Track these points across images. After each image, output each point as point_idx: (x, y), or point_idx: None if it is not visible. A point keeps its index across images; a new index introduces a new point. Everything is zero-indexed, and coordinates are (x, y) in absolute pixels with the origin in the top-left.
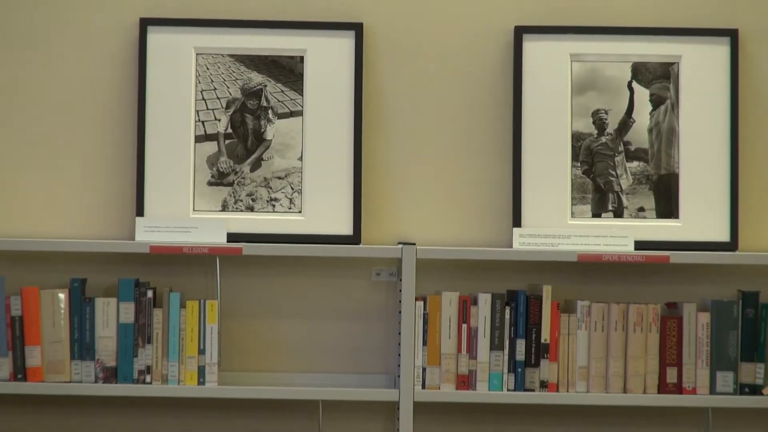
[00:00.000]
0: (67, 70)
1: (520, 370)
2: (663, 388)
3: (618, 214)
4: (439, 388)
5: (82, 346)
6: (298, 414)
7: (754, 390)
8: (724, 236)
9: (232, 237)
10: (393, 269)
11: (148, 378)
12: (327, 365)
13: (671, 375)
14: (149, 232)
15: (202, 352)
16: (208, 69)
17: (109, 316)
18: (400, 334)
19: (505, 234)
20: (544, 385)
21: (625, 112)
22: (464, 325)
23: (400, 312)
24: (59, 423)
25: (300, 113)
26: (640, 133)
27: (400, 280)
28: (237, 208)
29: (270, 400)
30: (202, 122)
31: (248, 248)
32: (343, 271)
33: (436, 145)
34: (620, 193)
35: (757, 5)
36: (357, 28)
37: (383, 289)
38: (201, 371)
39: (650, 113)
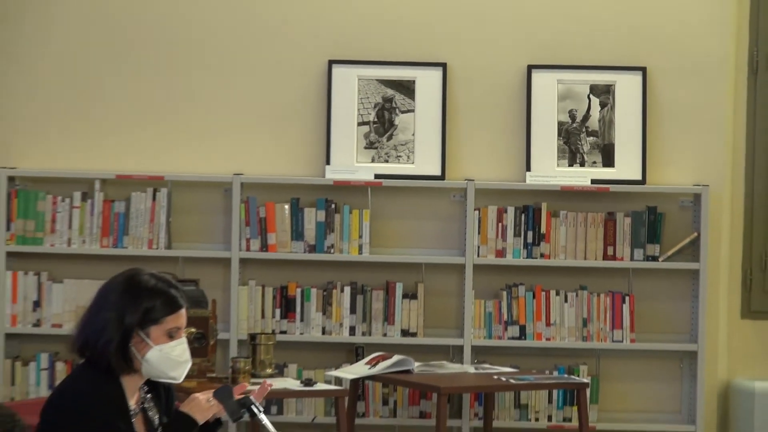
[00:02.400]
0: (281, 89)
1: (529, 247)
2: (606, 257)
3: (581, 164)
4: (486, 257)
5: (297, 234)
6: (405, 272)
7: (654, 258)
8: (638, 176)
9: (377, 177)
10: (462, 194)
11: (332, 250)
12: (426, 244)
13: (610, 250)
14: (333, 173)
15: (360, 236)
16: (364, 87)
17: (312, 218)
18: (465, 228)
19: (520, 175)
20: (542, 255)
21: (586, 111)
22: (500, 224)
23: (465, 216)
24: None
25: (413, 110)
26: (594, 122)
27: (465, 199)
28: (379, 161)
29: (391, 262)
30: (361, 115)
31: (385, 182)
32: (436, 195)
33: (462, 120)
34: (583, 154)
35: (658, 52)
36: (443, 66)
37: (457, 205)
38: (360, 248)
39: (599, 111)
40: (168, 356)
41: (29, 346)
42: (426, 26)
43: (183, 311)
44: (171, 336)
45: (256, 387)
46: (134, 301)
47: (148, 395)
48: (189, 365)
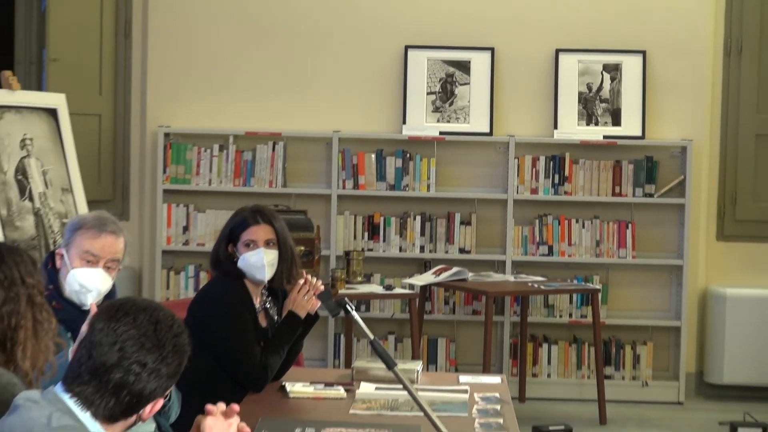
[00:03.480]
0: (370, 66)
1: (555, 186)
2: (614, 194)
3: (596, 124)
4: (523, 194)
5: (380, 176)
6: (462, 205)
7: (651, 195)
8: (639, 133)
9: (441, 133)
10: (505, 146)
11: (407, 189)
12: (478, 184)
13: (617, 189)
14: (408, 131)
15: (428, 178)
16: (431, 66)
17: (392, 164)
18: (508, 172)
19: (549, 132)
20: (566, 192)
21: (600, 84)
22: (533, 169)
23: (508, 163)
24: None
25: (468, 83)
26: (605, 92)
27: (508, 150)
28: (443, 122)
29: (451, 198)
30: (429, 87)
31: (447, 138)
32: (486, 147)
33: (506, 91)
34: (597, 116)
35: (655, 38)
36: (492, 50)
37: (501, 154)
38: (428, 187)
39: (610, 84)
40: (248, 262)
41: (180, 259)
42: (479, 19)
43: (252, 228)
44: (248, 246)
45: (351, 291)
46: (226, 224)
47: (269, 298)
48: (266, 269)
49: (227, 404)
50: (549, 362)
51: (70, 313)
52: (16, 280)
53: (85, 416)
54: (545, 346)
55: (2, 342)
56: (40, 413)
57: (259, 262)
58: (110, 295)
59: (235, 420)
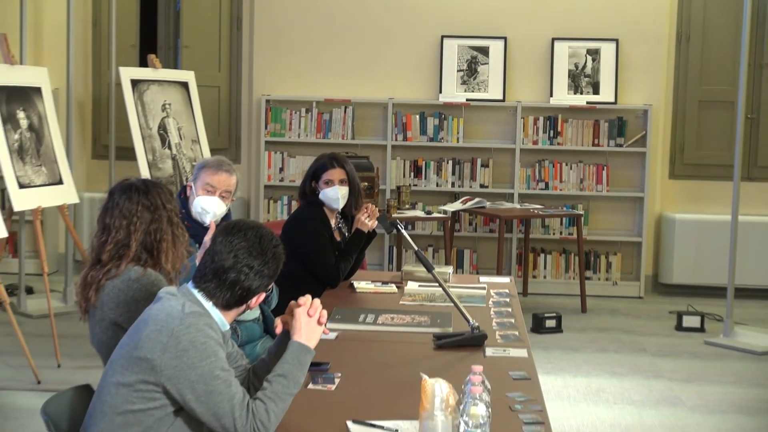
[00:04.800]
0: (416, 50)
1: (551, 139)
2: (593, 145)
3: (581, 93)
4: (528, 144)
5: (423, 131)
6: (482, 152)
7: (621, 145)
8: (612, 99)
9: (467, 100)
10: (515, 110)
11: (442, 140)
12: (494, 137)
13: (596, 141)
14: (443, 98)
15: (458, 133)
16: (460, 50)
17: (431, 122)
18: (516, 128)
19: (547, 99)
20: (558, 143)
21: (584, 64)
22: (535, 126)
23: (516, 122)
24: None
25: (487, 64)
26: (588, 70)
27: (516, 113)
28: (468, 91)
29: (474, 147)
30: (458, 65)
31: (472, 103)
32: (500, 110)
33: (515, 69)
34: (582, 87)
35: (625, 28)
36: (505, 38)
37: (512, 115)
38: (458, 139)
39: (591, 64)
40: (327, 195)
41: (276, 192)
42: (495, 16)
43: (330, 170)
44: (327, 183)
45: (401, 215)
46: (310, 167)
47: (341, 220)
48: (340, 201)
49: (312, 297)
50: (545, 267)
51: (196, 229)
52: (159, 206)
53: (208, 305)
54: (542, 255)
55: (150, 251)
56: (176, 302)
57: (335, 195)
58: (226, 217)
59: (318, 307)
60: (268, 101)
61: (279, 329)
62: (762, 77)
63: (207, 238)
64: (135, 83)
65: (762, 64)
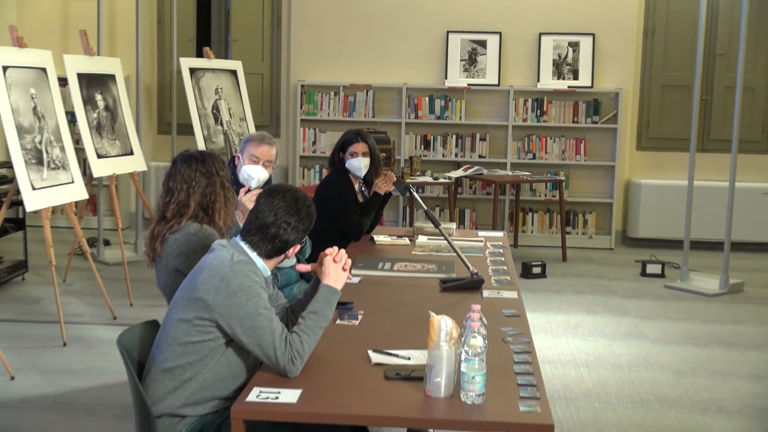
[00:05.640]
0: (425, 42)
1: (538, 118)
2: (573, 122)
3: (564, 78)
4: (519, 122)
5: (431, 111)
6: (480, 128)
7: (596, 122)
8: (589, 84)
9: (469, 85)
10: (508, 92)
11: (447, 119)
12: (490, 115)
13: (575, 119)
14: (448, 83)
15: (460, 112)
16: (463, 43)
17: (438, 103)
18: (509, 108)
19: (534, 83)
20: (544, 120)
21: (566, 54)
22: (525, 106)
23: (509, 103)
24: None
25: (486, 54)
26: (570, 60)
27: (509, 95)
28: (469, 78)
29: (474, 124)
30: (461, 56)
31: (473, 87)
32: (495, 93)
33: (509, 59)
34: (564, 74)
35: (601, 24)
36: (500, 33)
37: (506, 97)
38: (461, 117)
39: (572, 54)
40: (352, 165)
41: (310, 161)
42: (492, 14)
43: (355, 144)
44: (352, 155)
45: (413, 180)
46: (338, 140)
47: (363, 184)
48: (362, 170)
49: (339, 248)
50: (532, 224)
51: None
52: (214, 173)
53: (253, 255)
54: (530, 214)
55: (206, 210)
56: (226, 253)
57: (359, 165)
58: (268, 182)
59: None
60: (302, 86)
61: (302, 268)
62: (715, 65)
63: (241, 197)
64: (192, 71)
65: (715, 54)
